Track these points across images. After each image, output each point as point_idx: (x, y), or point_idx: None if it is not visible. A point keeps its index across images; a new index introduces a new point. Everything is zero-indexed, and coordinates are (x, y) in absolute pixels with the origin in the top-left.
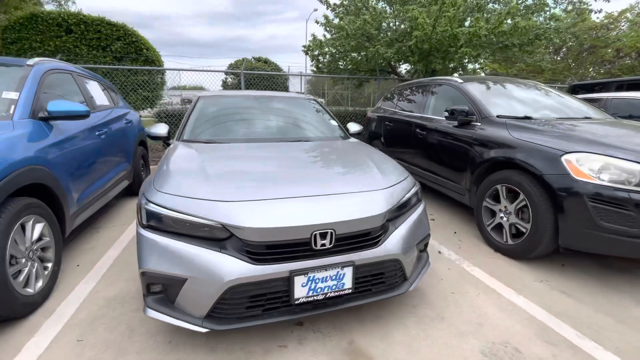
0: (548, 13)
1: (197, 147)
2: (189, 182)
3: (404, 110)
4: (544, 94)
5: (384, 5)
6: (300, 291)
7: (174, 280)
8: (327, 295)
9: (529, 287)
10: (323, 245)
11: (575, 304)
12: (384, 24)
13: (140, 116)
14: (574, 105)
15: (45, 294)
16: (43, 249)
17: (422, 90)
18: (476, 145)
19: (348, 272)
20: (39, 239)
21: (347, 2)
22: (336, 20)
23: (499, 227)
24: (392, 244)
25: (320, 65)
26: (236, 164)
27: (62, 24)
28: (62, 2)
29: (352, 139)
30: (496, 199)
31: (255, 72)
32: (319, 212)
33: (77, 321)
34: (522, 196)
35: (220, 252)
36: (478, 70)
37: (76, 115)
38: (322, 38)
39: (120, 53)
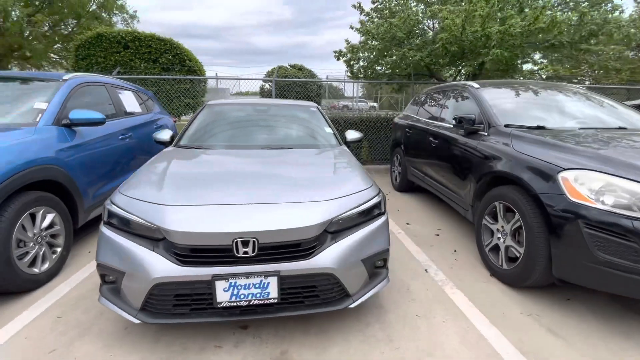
0: (609, 5)
1: (181, 152)
2: (147, 186)
3: (422, 117)
4: (581, 100)
5: (420, 8)
6: (223, 295)
7: (117, 272)
8: (251, 303)
9: (510, 320)
10: (246, 253)
11: (560, 346)
12: (417, 27)
13: (176, 121)
14: (619, 113)
15: (51, 274)
16: (53, 236)
17: (440, 96)
18: (479, 157)
19: (272, 281)
20: (50, 227)
21: (381, 6)
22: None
23: (496, 249)
24: (326, 257)
25: (354, 70)
26: (203, 169)
27: (121, 41)
28: (129, 22)
29: (340, 148)
30: (495, 217)
31: (287, 79)
32: (242, 220)
33: (66, 300)
34: (517, 216)
35: (153, 251)
36: (536, 73)
37: (93, 122)
38: (357, 43)
39: (167, 64)
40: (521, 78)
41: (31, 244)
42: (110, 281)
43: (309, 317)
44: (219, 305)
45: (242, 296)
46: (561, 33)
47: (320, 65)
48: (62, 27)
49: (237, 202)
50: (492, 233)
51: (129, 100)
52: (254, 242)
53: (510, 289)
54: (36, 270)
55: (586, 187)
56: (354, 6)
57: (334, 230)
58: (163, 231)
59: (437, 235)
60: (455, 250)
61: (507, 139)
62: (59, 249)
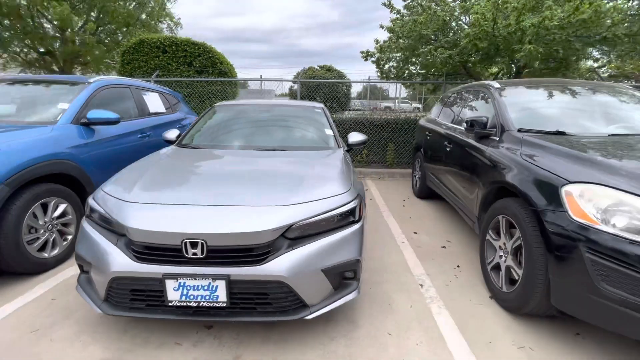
0: None
1: (175, 151)
2: (123, 183)
3: (441, 120)
4: (628, 102)
5: (456, 4)
6: (173, 294)
7: (88, 264)
8: (201, 304)
9: (495, 351)
10: (195, 254)
11: None
12: (446, 25)
13: None
14: None
15: (59, 260)
16: (65, 225)
17: (460, 97)
18: (486, 164)
19: (221, 285)
20: (62, 216)
21: (412, 3)
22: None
23: (497, 268)
24: (279, 264)
25: (384, 70)
26: (183, 169)
27: (160, 46)
28: (173, 28)
29: (337, 150)
30: (498, 232)
31: (313, 80)
32: (192, 221)
33: (64, 285)
34: (517, 233)
35: (115, 245)
36: (595, 71)
37: (108, 121)
38: (385, 43)
39: (200, 67)
40: (578, 77)
41: (42, 231)
42: (85, 271)
43: (273, 326)
44: (169, 304)
45: (191, 297)
46: (615, 24)
47: (363, 66)
48: (117, 35)
49: (192, 203)
50: (495, 250)
51: (153, 101)
52: (202, 244)
53: (508, 315)
54: (45, 255)
55: (593, 204)
56: (384, 4)
57: (296, 236)
58: (124, 227)
59: (444, 247)
60: (458, 266)
61: (516, 145)
62: (70, 237)
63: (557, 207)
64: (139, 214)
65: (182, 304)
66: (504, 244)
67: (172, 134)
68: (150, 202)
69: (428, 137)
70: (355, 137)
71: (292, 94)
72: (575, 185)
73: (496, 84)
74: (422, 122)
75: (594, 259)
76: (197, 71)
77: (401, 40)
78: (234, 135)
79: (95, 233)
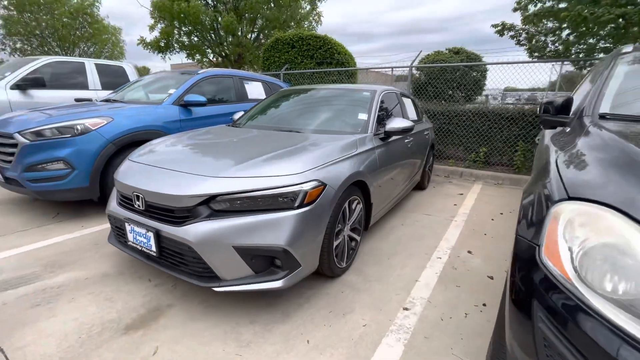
0: None
1: (218, 128)
2: (143, 148)
3: None
4: None
5: None
6: (129, 235)
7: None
8: (142, 249)
9: None
10: (139, 205)
11: None
12: None
13: None
14: None
15: None
16: None
17: (591, 74)
18: (539, 160)
19: (152, 236)
20: None
21: None
22: None
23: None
24: (191, 230)
25: (536, 45)
26: (191, 139)
27: (289, 42)
28: (315, 25)
29: (357, 136)
30: None
31: (428, 65)
32: (142, 179)
33: None
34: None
35: (115, 192)
36: None
37: (198, 103)
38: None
39: (320, 59)
40: None
41: None
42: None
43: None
44: (128, 243)
45: (138, 240)
46: None
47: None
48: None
49: (155, 165)
50: None
51: (255, 89)
52: (142, 198)
53: None
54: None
55: (577, 236)
56: None
57: (222, 208)
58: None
59: (491, 278)
60: (484, 304)
61: (576, 136)
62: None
63: (534, 237)
64: (122, 168)
65: (134, 245)
66: None
67: (237, 115)
68: (133, 161)
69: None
70: (395, 123)
71: (413, 80)
72: (567, 203)
73: (628, 54)
74: None
75: (550, 341)
76: (317, 63)
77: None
78: (267, 117)
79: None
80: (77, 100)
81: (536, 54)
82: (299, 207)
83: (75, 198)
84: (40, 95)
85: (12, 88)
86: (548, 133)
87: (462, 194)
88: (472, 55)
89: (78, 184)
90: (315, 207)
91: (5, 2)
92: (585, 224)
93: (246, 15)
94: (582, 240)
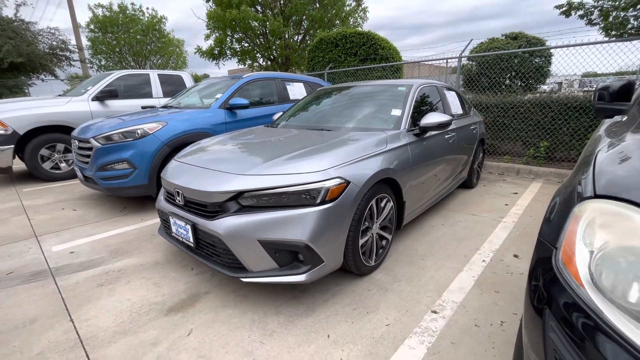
0: None
1: (256, 128)
2: (189, 148)
3: None
4: None
5: None
6: (173, 228)
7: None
8: (182, 240)
9: None
10: (179, 201)
11: None
12: None
13: None
14: None
15: None
16: None
17: None
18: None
19: (190, 228)
20: None
21: None
22: None
23: None
24: (221, 223)
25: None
26: (230, 140)
27: (333, 41)
28: (360, 22)
29: (390, 132)
30: None
31: (480, 54)
32: (182, 177)
33: None
34: None
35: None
36: None
37: (242, 106)
38: None
39: (363, 55)
40: None
41: None
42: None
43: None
44: (172, 234)
45: (179, 232)
46: None
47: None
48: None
49: (195, 164)
50: None
51: (297, 90)
52: (182, 194)
53: None
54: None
55: (596, 245)
56: None
57: (250, 204)
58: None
59: None
60: (515, 314)
61: (630, 126)
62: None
63: (552, 240)
64: (168, 167)
65: (177, 237)
66: None
67: (276, 115)
68: (177, 160)
69: None
70: (430, 118)
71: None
72: (590, 202)
73: None
74: None
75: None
76: (361, 59)
77: None
78: (304, 117)
79: None
80: (143, 107)
81: (614, 32)
82: (320, 203)
83: (137, 194)
84: (114, 104)
85: (92, 100)
86: (605, 123)
87: (516, 193)
88: (533, 40)
89: (139, 182)
90: (337, 204)
91: (92, 26)
92: (606, 225)
93: (293, 18)
94: (602, 243)
